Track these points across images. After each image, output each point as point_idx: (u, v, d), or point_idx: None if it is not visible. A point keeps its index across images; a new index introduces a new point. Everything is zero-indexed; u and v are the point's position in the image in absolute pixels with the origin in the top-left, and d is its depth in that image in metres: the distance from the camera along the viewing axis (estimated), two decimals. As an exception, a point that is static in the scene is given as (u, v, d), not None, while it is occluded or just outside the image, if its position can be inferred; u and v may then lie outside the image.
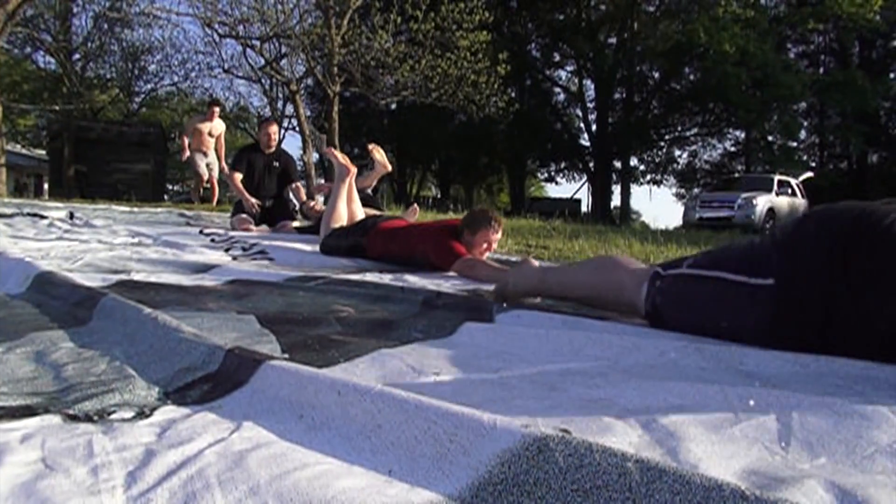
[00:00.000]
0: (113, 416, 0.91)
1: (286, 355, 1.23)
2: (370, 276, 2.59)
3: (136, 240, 4.20)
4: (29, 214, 5.49)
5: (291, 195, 5.76)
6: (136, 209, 7.63)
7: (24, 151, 24.82)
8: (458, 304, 1.77)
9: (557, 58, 26.91)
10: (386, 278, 2.57)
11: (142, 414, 0.92)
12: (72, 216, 5.70)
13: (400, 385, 0.99)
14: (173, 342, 1.16)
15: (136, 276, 2.36)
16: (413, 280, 2.57)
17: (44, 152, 23.00)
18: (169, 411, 0.93)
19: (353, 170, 3.84)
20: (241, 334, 1.41)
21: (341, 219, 3.73)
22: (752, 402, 0.95)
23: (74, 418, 0.89)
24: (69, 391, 1.01)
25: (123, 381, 1.04)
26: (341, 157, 3.96)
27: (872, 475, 0.77)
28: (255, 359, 1.01)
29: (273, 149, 5.68)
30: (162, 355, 1.14)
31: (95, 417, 0.90)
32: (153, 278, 2.34)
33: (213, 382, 1.01)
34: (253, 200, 5.46)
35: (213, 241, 4.12)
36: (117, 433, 0.84)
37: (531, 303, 1.86)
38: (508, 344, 1.36)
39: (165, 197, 19.20)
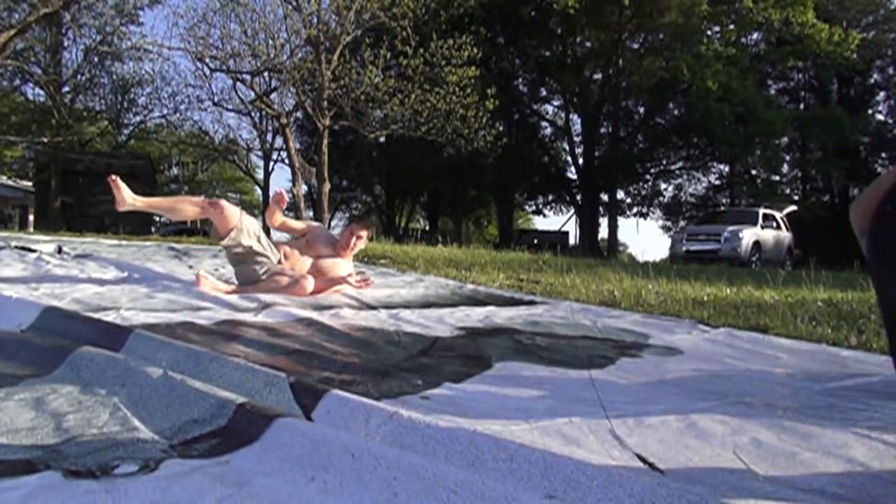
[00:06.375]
0: (116, 471, 0.88)
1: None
2: (365, 314, 2.57)
3: (125, 274, 4.15)
4: (17, 248, 5.42)
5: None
6: (124, 242, 7.57)
7: (9, 182, 24.61)
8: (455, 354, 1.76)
9: (544, 93, 27.34)
10: (383, 314, 2.56)
11: (146, 467, 0.89)
12: (60, 250, 5.64)
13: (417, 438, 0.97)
14: (181, 390, 1.12)
15: (126, 314, 2.33)
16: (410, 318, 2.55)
17: (30, 183, 22.82)
18: (174, 464, 0.91)
19: None
20: (251, 376, 1.34)
21: None
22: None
23: (76, 474, 0.86)
24: (70, 443, 0.98)
25: (127, 432, 1.01)
26: None
27: None
28: (267, 415, 0.98)
29: None
30: (168, 402, 1.11)
31: (98, 473, 0.87)
32: (142, 316, 2.31)
33: (222, 437, 0.98)
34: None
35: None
36: (120, 492, 0.81)
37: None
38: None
39: (153, 230, 19.06)
